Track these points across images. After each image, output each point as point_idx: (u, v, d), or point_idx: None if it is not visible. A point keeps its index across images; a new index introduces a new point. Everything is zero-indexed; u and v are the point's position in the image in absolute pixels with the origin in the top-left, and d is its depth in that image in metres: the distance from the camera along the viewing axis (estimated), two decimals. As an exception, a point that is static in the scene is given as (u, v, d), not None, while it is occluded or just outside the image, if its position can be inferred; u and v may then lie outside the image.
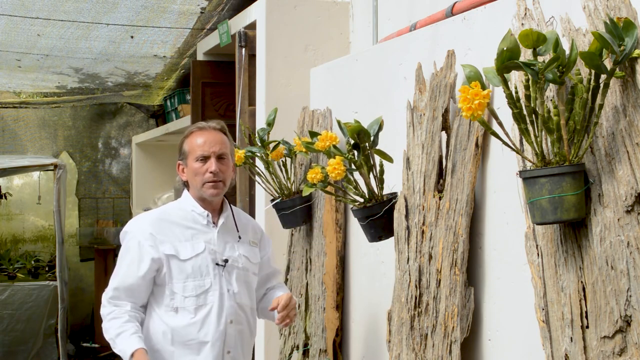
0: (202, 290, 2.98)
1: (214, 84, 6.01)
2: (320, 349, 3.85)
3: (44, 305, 7.72)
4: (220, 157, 3.01)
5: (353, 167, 3.21)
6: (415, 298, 2.97)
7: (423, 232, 2.99)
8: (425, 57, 3.15)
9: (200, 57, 6.15)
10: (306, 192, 3.35)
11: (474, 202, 2.83)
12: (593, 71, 2.14)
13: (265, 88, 4.58)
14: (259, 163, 4.01)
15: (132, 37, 6.11)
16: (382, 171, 3.20)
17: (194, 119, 5.92)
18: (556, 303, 2.33)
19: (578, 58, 2.17)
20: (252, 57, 4.87)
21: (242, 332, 3.05)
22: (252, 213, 4.90)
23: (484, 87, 2.25)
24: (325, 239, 3.85)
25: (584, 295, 2.25)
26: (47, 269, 8.45)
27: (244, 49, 4.90)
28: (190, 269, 2.98)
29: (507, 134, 2.35)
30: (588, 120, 2.20)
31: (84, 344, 9.06)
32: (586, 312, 2.24)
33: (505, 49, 2.18)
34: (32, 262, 8.56)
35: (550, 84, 2.27)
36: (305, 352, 3.98)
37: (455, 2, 3.22)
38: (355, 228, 3.65)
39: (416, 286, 2.97)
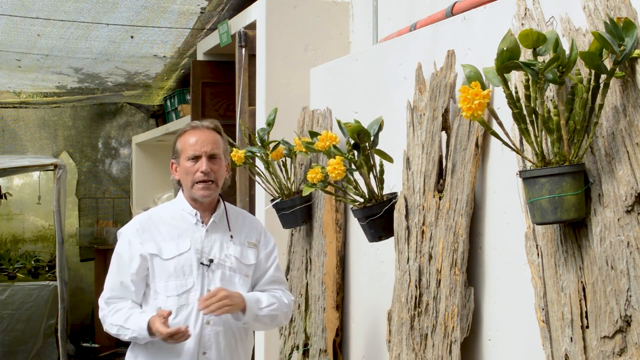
0: (184, 289, 2.95)
1: (214, 84, 6.01)
2: (320, 349, 3.85)
3: (44, 305, 7.72)
4: (212, 157, 2.98)
5: (353, 167, 3.21)
6: (415, 298, 2.97)
7: (423, 232, 2.99)
8: (425, 57, 3.15)
9: (200, 57, 6.16)
10: (306, 192, 3.35)
11: (474, 202, 2.83)
12: (593, 71, 2.14)
13: (265, 88, 4.58)
14: (259, 163, 4.01)
15: (132, 37, 6.11)
16: (382, 171, 3.20)
17: (194, 119, 5.91)
18: (556, 303, 2.33)
19: (578, 58, 2.17)
20: (252, 57, 4.87)
21: (220, 334, 2.98)
22: (252, 213, 4.90)
23: (484, 87, 2.25)
24: (325, 239, 3.85)
25: (584, 295, 2.25)
26: (47, 269, 8.45)
27: (244, 49, 4.90)
28: (173, 268, 2.96)
29: (507, 134, 2.35)
30: (588, 120, 2.20)
31: (84, 344, 9.06)
32: (586, 312, 2.23)
33: (505, 49, 2.18)
34: (32, 262, 8.56)
35: (550, 84, 2.27)
36: (305, 352, 3.98)
37: (455, 2, 3.22)
38: (355, 228, 3.65)
39: (416, 286, 2.97)
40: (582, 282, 2.26)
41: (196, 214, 3.03)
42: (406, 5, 4.01)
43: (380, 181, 3.22)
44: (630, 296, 2.10)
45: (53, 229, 8.12)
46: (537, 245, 2.42)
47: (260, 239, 3.17)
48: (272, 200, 4.02)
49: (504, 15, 2.68)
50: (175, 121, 7.66)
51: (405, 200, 3.09)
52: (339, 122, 3.28)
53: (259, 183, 4.08)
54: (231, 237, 3.06)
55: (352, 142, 3.18)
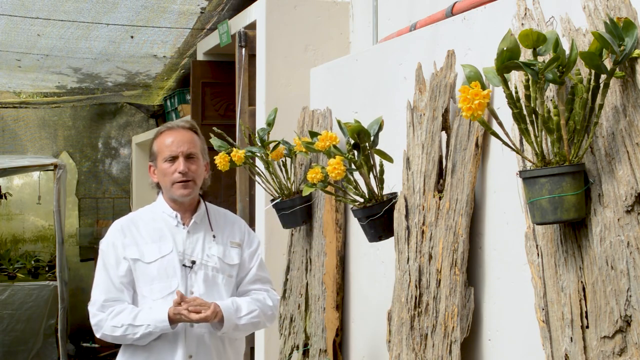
0: (168, 292, 2.93)
1: (214, 84, 6.01)
2: (320, 349, 3.85)
3: (44, 305, 7.73)
4: (189, 157, 2.97)
5: (353, 167, 3.20)
6: (415, 298, 2.97)
7: (423, 232, 2.99)
8: (425, 57, 3.15)
9: (200, 57, 6.16)
10: (306, 192, 3.34)
11: (474, 202, 2.83)
12: (593, 71, 2.14)
13: (265, 88, 4.58)
14: (259, 163, 4.01)
15: (132, 37, 6.11)
16: (382, 171, 3.20)
17: (194, 119, 5.92)
18: (556, 303, 2.33)
19: (578, 58, 2.17)
20: (252, 57, 4.87)
21: (205, 336, 2.96)
22: (252, 213, 4.91)
23: (484, 87, 2.25)
24: (325, 239, 3.85)
25: (584, 295, 2.25)
26: (47, 269, 8.45)
27: (244, 49, 4.90)
28: (156, 271, 2.95)
29: (507, 134, 2.35)
30: (588, 120, 2.20)
31: (84, 344, 9.06)
32: (586, 312, 2.23)
33: (505, 49, 2.18)
34: (32, 262, 8.56)
35: (550, 84, 2.27)
36: (305, 352, 3.98)
37: (455, 2, 3.22)
38: (355, 228, 3.65)
39: (416, 286, 2.97)
40: (582, 282, 2.26)
41: (176, 216, 3.02)
42: (406, 5, 4.01)
43: (380, 181, 3.22)
44: (630, 296, 2.10)
45: (53, 229, 8.12)
46: (537, 245, 2.42)
47: (244, 239, 3.14)
48: (272, 200, 4.02)
49: (504, 15, 2.68)
50: (175, 121, 7.66)
51: (405, 200, 3.09)
52: (339, 122, 3.28)
53: (259, 183, 4.08)
54: (214, 236, 3.04)
55: (352, 142, 3.18)
